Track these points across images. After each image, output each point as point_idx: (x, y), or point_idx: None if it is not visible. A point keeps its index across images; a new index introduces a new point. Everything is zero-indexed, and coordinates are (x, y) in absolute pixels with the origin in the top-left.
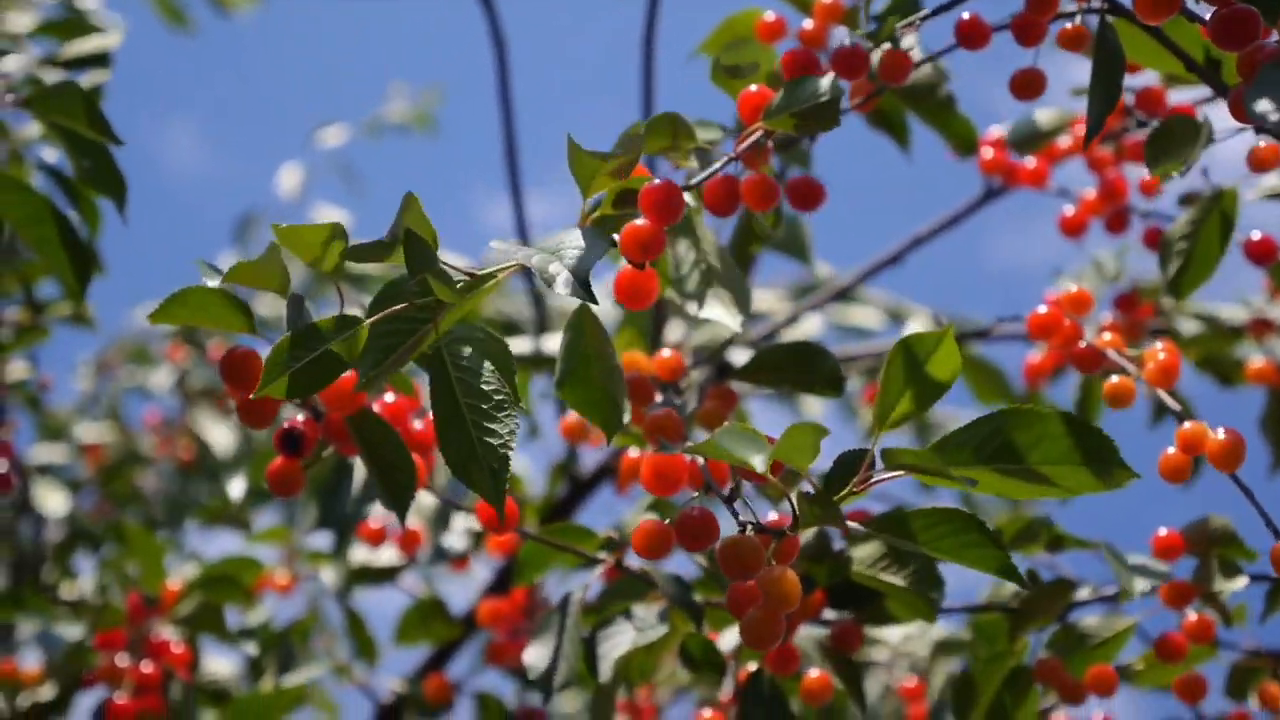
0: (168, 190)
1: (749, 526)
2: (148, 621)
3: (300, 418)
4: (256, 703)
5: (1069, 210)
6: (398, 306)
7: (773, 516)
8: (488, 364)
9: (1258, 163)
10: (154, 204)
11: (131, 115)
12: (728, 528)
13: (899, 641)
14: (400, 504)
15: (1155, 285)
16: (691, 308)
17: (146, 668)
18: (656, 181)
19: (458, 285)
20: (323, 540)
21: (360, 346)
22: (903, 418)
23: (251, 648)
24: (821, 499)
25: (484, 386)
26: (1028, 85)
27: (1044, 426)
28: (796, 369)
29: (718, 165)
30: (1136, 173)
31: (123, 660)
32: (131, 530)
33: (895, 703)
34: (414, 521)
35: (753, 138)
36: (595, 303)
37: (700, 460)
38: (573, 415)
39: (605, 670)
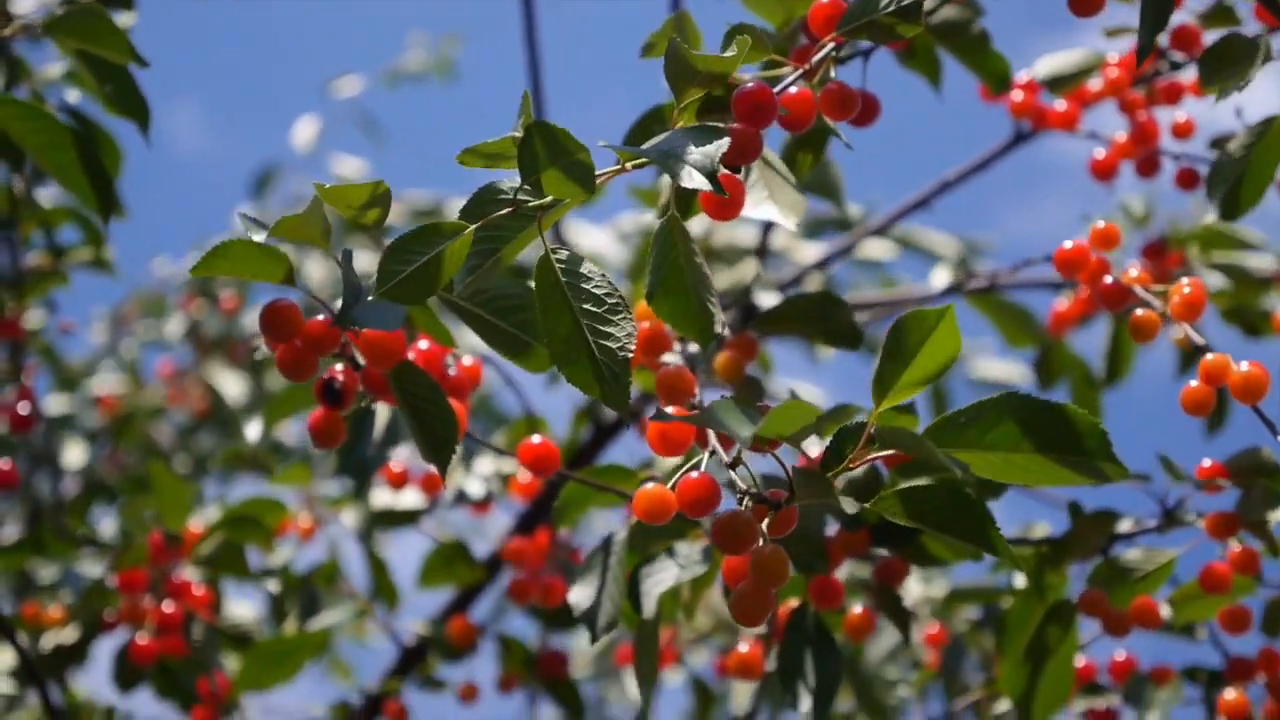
0: (177, 167)
1: (746, 499)
2: (170, 562)
3: (339, 368)
4: (280, 646)
5: (1100, 153)
6: (499, 212)
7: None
8: (591, 267)
9: None
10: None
11: None
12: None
13: (921, 591)
14: (442, 458)
15: (1183, 234)
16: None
17: (168, 608)
18: (750, 85)
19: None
20: (343, 485)
21: (466, 251)
22: (901, 394)
23: (273, 585)
24: (815, 476)
25: (595, 290)
26: (1087, 1)
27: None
28: (816, 320)
29: (790, 79)
30: (1168, 116)
31: (145, 601)
32: (158, 472)
33: (915, 653)
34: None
35: (825, 50)
36: (724, 194)
37: None
38: None
39: (649, 606)
